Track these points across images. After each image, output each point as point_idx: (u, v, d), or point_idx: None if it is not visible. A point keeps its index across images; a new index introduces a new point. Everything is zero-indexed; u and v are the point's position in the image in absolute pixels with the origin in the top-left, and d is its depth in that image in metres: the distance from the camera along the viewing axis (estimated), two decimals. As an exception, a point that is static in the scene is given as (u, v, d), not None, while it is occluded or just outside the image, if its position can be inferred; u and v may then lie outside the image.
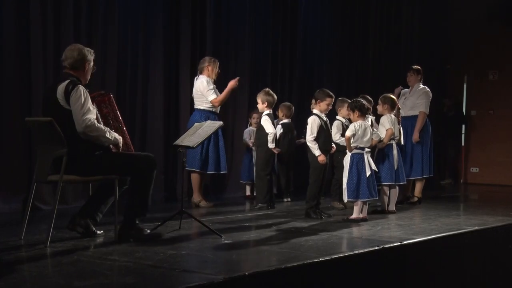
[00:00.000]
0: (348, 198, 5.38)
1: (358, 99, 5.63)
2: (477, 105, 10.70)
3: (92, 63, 4.20)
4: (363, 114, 5.44)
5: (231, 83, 6.25)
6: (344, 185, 5.37)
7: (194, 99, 6.27)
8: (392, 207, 6.00)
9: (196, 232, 4.65)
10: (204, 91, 6.13)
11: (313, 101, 5.74)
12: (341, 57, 9.13)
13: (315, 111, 5.61)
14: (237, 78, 6.33)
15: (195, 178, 6.21)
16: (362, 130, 5.34)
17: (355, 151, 5.35)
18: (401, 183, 6.09)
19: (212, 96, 6.12)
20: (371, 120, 6.16)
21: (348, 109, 5.61)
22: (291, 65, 8.38)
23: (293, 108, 7.02)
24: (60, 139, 3.89)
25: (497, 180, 10.12)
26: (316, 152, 5.45)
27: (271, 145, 6.20)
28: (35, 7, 5.68)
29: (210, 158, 6.14)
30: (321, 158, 5.44)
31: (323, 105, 5.55)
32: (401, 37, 10.01)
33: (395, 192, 6.01)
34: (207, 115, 6.10)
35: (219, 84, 6.36)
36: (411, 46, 10.14)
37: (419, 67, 7.09)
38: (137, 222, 4.13)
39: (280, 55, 8.24)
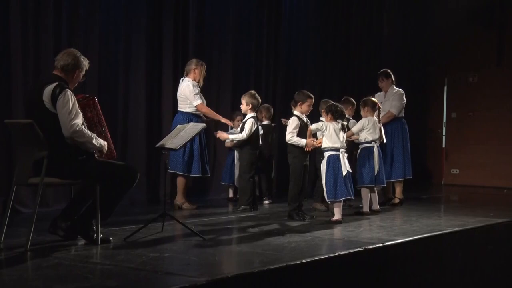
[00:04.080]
0: (327, 199, 5.44)
1: (337, 104, 5.69)
2: (457, 108, 10.81)
3: (83, 73, 4.17)
4: (335, 118, 5.49)
5: (224, 120, 6.33)
6: (324, 187, 5.41)
7: (178, 101, 6.23)
8: (376, 206, 6.06)
9: (179, 235, 4.62)
10: (189, 95, 6.07)
11: (293, 103, 5.73)
12: (324, 59, 9.16)
13: (295, 112, 5.62)
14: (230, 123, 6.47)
15: (180, 180, 6.17)
16: (331, 131, 5.39)
17: (331, 152, 5.39)
18: (381, 185, 6.15)
19: (197, 101, 6.07)
20: (342, 125, 6.08)
21: (323, 111, 5.68)
22: (274, 67, 8.39)
23: (272, 109, 7.03)
24: (41, 142, 3.84)
25: (477, 181, 10.23)
26: (301, 142, 5.46)
27: (229, 142, 6.44)
28: (14, 7, 5.61)
29: (194, 160, 6.10)
30: (309, 142, 5.44)
31: (305, 106, 5.58)
32: (382, 40, 10.08)
33: (375, 194, 6.08)
34: (190, 117, 6.07)
35: (211, 86, 6.35)
36: (393, 49, 10.21)
37: (386, 70, 7.02)
38: (93, 223, 4.09)
39: (264, 56, 8.23)
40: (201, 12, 7.44)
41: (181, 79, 6.29)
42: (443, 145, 10.99)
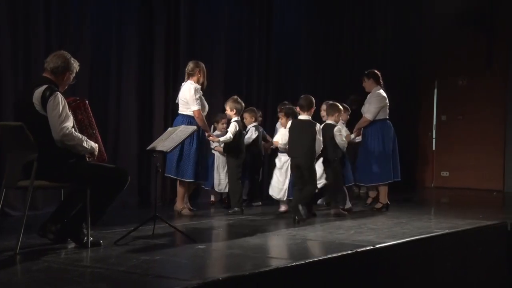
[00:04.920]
0: (287, 197, 6.00)
1: (291, 106, 6.24)
2: (447, 111, 10.88)
3: (74, 75, 4.15)
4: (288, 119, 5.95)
5: (211, 137, 6.24)
6: (285, 186, 5.94)
7: (180, 104, 6.06)
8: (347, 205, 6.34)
9: (170, 237, 4.61)
10: (190, 99, 5.93)
11: (301, 109, 5.77)
12: (316, 62, 9.19)
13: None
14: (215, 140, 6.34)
15: (179, 185, 6.07)
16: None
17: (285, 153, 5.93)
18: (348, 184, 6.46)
19: (196, 106, 5.94)
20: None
21: (282, 114, 6.16)
22: (266, 69, 8.41)
23: (256, 111, 7.01)
24: (31, 144, 3.82)
25: (467, 183, 10.30)
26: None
27: (215, 144, 6.52)
28: (3, 10, 5.59)
29: (189, 165, 5.95)
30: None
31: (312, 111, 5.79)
32: (373, 43, 10.12)
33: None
34: (190, 120, 5.95)
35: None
36: (384, 51, 10.26)
37: (372, 71, 6.84)
38: (83, 226, 4.08)
39: (256, 59, 8.25)
40: (193, 14, 7.44)
41: (183, 82, 6.11)
42: (433, 148, 11.05)
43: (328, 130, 5.92)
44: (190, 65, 6.05)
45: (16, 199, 5.57)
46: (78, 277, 3.19)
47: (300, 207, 5.49)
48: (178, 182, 6.09)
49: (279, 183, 6.10)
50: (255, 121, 6.81)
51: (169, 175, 6.05)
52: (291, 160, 5.76)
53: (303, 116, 5.73)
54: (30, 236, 4.15)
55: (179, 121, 5.99)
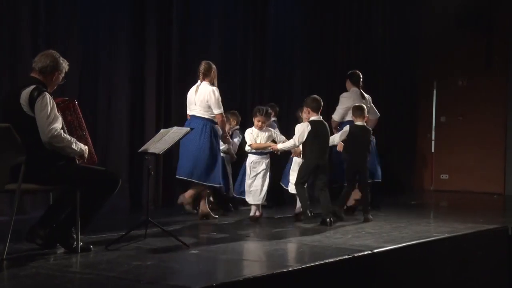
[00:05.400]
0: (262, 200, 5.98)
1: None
2: (446, 111, 10.90)
3: (63, 75, 4.14)
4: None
5: (226, 138, 6.26)
6: (265, 187, 5.92)
7: (198, 106, 5.93)
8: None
9: (162, 242, 4.59)
10: (214, 102, 5.86)
11: (313, 110, 5.80)
12: (311, 59, 9.19)
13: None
14: None
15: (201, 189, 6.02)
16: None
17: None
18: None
19: (220, 110, 5.91)
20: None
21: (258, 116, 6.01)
22: (260, 68, 8.41)
23: (237, 114, 7.06)
24: (19, 146, 3.81)
25: (467, 186, 10.32)
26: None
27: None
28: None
29: (215, 169, 5.93)
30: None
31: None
32: (371, 43, 10.14)
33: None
34: (212, 124, 5.93)
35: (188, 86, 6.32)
36: (382, 51, 10.28)
37: (351, 72, 6.98)
38: (72, 231, 4.07)
39: (250, 58, 8.25)
40: (186, 14, 7.43)
41: (198, 84, 6.01)
42: (432, 150, 11.08)
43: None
44: (205, 66, 5.99)
45: (4, 203, 5.54)
46: (67, 284, 3.19)
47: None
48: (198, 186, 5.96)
49: (257, 187, 5.93)
50: (237, 124, 6.94)
51: (199, 181, 5.88)
52: (311, 162, 5.73)
53: (317, 117, 5.81)
54: (17, 241, 4.13)
55: (199, 124, 5.84)
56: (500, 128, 10.28)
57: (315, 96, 5.92)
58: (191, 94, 6.03)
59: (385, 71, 10.15)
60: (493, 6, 10.31)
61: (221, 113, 5.94)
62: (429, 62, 10.91)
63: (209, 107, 5.90)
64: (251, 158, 6.02)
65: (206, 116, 5.94)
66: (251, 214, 5.94)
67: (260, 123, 5.94)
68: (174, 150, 6.17)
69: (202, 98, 5.91)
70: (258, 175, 5.94)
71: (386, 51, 10.33)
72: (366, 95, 6.91)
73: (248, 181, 5.97)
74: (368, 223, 5.86)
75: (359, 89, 6.84)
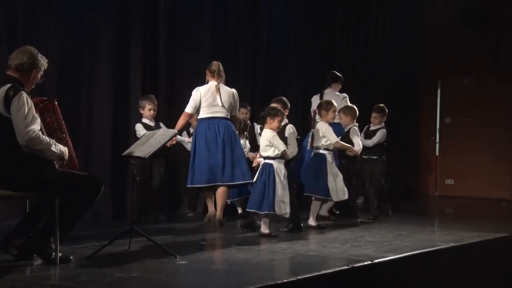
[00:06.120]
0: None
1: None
2: (451, 113, 10.91)
3: (41, 72, 4.12)
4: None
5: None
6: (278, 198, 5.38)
7: (224, 108, 6.12)
8: (311, 222, 6.02)
9: (148, 252, 4.57)
10: (237, 104, 6.29)
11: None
12: (307, 61, 9.21)
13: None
14: None
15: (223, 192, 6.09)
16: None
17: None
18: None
19: (237, 111, 6.43)
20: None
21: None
22: (254, 68, 8.42)
23: None
24: (-7, 149, 3.78)
25: (473, 192, 10.30)
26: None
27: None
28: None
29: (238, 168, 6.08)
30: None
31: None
32: (372, 41, 10.16)
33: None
34: (230, 125, 6.20)
35: (185, 89, 6.42)
36: (383, 50, 10.30)
37: (331, 73, 7.44)
38: (51, 241, 4.04)
39: (243, 58, 8.26)
40: (173, 9, 7.42)
41: (215, 84, 6.15)
42: (437, 153, 11.10)
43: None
44: (218, 66, 6.26)
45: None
46: (45, 297, 3.16)
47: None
48: (218, 190, 6.03)
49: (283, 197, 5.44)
50: None
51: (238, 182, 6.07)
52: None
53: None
54: (-9, 252, 4.12)
55: (224, 125, 6.08)
56: (509, 130, 10.28)
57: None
58: (210, 95, 6.14)
59: (386, 70, 10.16)
60: (500, 2, 10.35)
61: (237, 114, 6.40)
62: (433, 60, 10.93)
63: (232, 109, 6.22)
64: (276, 164, 5.42)
65: (228, 117, 6.23)
66: (267, 231, 5.42)
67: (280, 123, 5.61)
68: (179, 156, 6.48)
69: (227, 99, 6.16)
70: (285, 184, 5.44)
71: (387, 49, 10.34)
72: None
73: (280, 190, 5.37)
74: (368, 231, 5.85)
75: (335, 90, 7.32)
